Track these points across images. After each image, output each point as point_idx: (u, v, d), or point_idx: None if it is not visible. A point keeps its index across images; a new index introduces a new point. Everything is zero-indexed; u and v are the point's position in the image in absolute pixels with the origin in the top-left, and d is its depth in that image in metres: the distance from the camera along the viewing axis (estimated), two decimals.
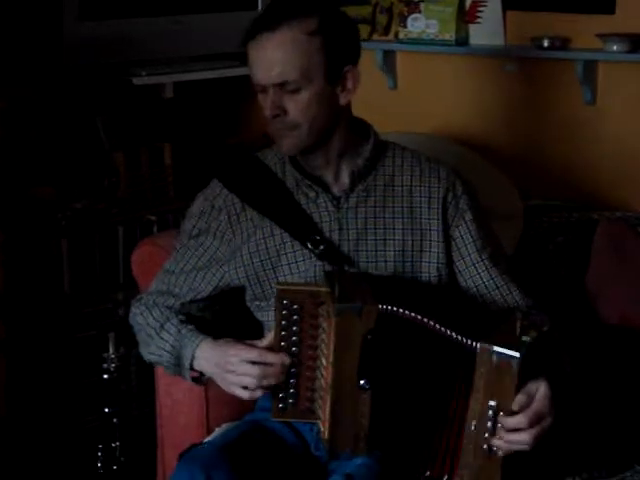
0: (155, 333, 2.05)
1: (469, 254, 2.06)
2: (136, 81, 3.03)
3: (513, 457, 1.81)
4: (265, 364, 1.87)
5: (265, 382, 1.88)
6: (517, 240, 2.57)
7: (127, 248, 2.86)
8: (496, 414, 1.78)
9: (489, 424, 1.78)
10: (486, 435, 1.79)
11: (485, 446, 1.80)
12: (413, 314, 1.82)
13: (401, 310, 1.82)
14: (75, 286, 2.92)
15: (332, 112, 1.99)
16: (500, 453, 1.80)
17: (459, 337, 1.80)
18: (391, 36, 3.21)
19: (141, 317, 2.10)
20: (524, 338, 1.79)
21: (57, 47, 2.90)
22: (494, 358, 1.77)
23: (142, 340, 2.10)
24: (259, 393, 1.90)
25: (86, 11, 2.91)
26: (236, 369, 1.90)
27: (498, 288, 2.06)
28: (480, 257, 2.06)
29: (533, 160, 3.01)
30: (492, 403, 1.78)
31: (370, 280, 1.94)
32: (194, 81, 3.18)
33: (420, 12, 3.07)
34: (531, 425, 1.78)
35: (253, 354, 1.89)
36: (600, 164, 2.92)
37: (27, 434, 2.83)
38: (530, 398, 1.79)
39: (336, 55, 1.97)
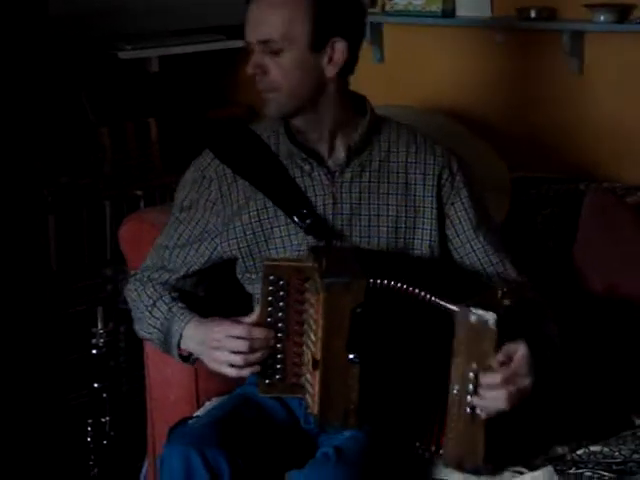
0: (147, 310, 2.06)
1: (464, 231, 2.07)
2: (121, 55, 3.01)
3: (497, 419, 1.82)
4: (251, 339, 1.88)
5: (252, 357, 1.88)
6: (505, 212, 2.57)
7: (114, 223, 2.85)
8: (477, 376, 1.79)
9: (470, 387, 1.80)
10: (468, 398, 1.80)
11: (468, 409, 1.81)
12: (402, 285, 1.82)
13: (390, 282, 1.82)
14: (62, 262, 2.91)
15: (315, 81, 1.99)
16: (482, 415, 1.81)
17: (439, 301, 1.81)
18: (378, 8, 3.20)
19: (135, 293, 2.11)
20: (504, 302, 1.80)
21: (42, 20, 2.88)
22: (472, 320, 1.78)
23: (135, 316, 2.11)
24: (246, 372, 1.91)
25: None
26: (222, 345, 1.91)
27: (493, 265, 2.07)
28: (475, 234, 2.07)
29: (520, 132, 3.01)
30: (473, 366, 1.80)
31: (360, 254, 1.94)
32: (180, 55, 3.16)
33: None
34: (507, 382, 1.79)
35: (238, 329, 1.90)
36: (587, 135, 2.92)
37: (16, 410, 2.83)
38: (509, 357, 1.81)
39: (324, 23, 1.96)
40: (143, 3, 3.04)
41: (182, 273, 2.10)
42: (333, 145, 2.05)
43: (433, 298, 1.82)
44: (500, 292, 1.82)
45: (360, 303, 1.80)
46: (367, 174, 2.05)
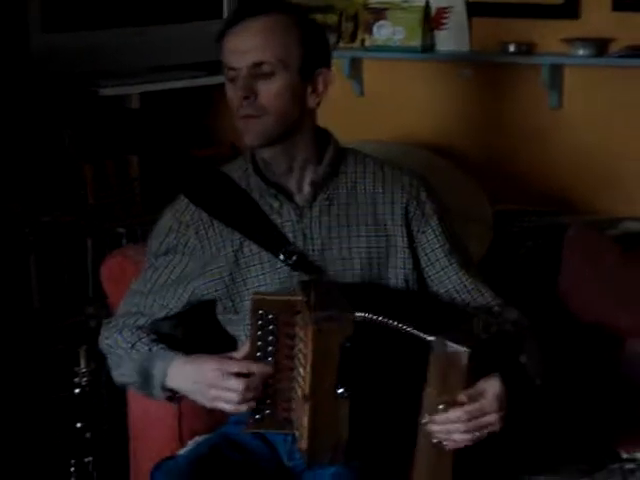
0: (125, 353, 2.03)
1: (438, 259, 2.06)
2: (102, 92, 3.00)
3: (470, 456, 1.82)
4: (247, 375, 1.86)
5: (249, 394, 1.86)
6: (487, 245, 2.58)
7: (96, 261, 2.83)
8: (446, 408, 1.78)
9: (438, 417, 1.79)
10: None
11: (435, 440, 1.80)
12: (390, 320, 1.81)
13: (378, 317, 1.81)
14: (44, 300, 2.89)
15: (300, 110, 2.00)
16: (448, 446, 1.79)
17: (416, 332, 1.80)
18: (357, 43, 3.21)
19: (111, 339, 2.08)
20: (482, 335, 1.80)
21: (23, 58, 2.88)
22: (445, 352, 1.77)
23: (113, 362, 2.08)
24: (244, 407, 1.88)
25: (49, 23, 2.89)
26: (219, 383, 1.88)
27: (469, 291, 2.06)
28: (449, 261, 2.06)
29: (501, 165, 3.02)
30: (444, 398, 1.78)
31: (341, 288, 1.93)
32: (160, 91, 3.16)
33: (386, 19, 3.08)
34: (469, 419, 1.78)
35: (236, 366, 1.88)
36: (568, 168, 2.94)
37: None
38: (479, 394, 1.79)
39: (311, 52, 1.99)
40: (123, 40, 3.04)
41: (161, 316, 2.08)
42: (301, 179, 2.05)
43: (410, 329, 1.81)
44: (480, 324, 1.82)
45: (349, 337, 1.79)
46: (335, 207, 2.04)
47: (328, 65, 2.04)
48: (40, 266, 2.88)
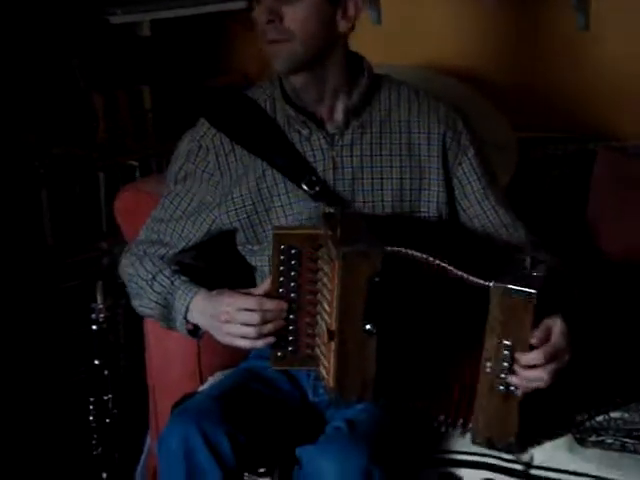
0: (147, 285, 1.99)
1: (474, 192, 2.01)
2: (112, 19, 2.94)
3: (531, 396, 1.78)
4: (262, 311, 1.82)
5: (265, 329, 1.83)
6: (512, 172, 2.52)
7: (109, 195, 2.80)
8: (512, 353, 1.74)
9: (505, 364, 1.75)
10: (502, 375, 1.75)
11: (502, 387, 1.76)
12: (421, 255, 1.76)
13: (408, 251, 1.75)
14: (57, 236, 2.86)
15: (329, 35, 1.93)
16: (518, 392, 1.76)
17: (471, 277, 1.75)
18: None
19: (132, 268, 2.04)
20: (535, 273, 1.74)
21: None
22: (509, 296, 1.72)
23: (134, 292, 2.05)
24: (260, 343, 1.85)
25: None
26: (233, 318, 1.85)
27: (505, 226, 2.02)
28: (485, 195, 2.01)
29: (526, 90, 2.95)
30: (508, 342, 1.74)
31: (369, 220, 1.88)
32: (172, 19, 3.09)
33: None
34: (548, 361, 1.74)
35: (250, 302, 1.84)
36: (595, 92, 2.86)
37: (15, 389, 2.78)
38: (548, 333, 1.75)
39: None
40: None
41: (180, 247, 2.05)
42: (333, 107, 1.99)
43: (462, 274, 1.76)
44: (529, 263, 1.76)
45: (377, 272, 1.74)
46: (368, 136, 1.99)
47: None
48: (52, 201, 2.84)
